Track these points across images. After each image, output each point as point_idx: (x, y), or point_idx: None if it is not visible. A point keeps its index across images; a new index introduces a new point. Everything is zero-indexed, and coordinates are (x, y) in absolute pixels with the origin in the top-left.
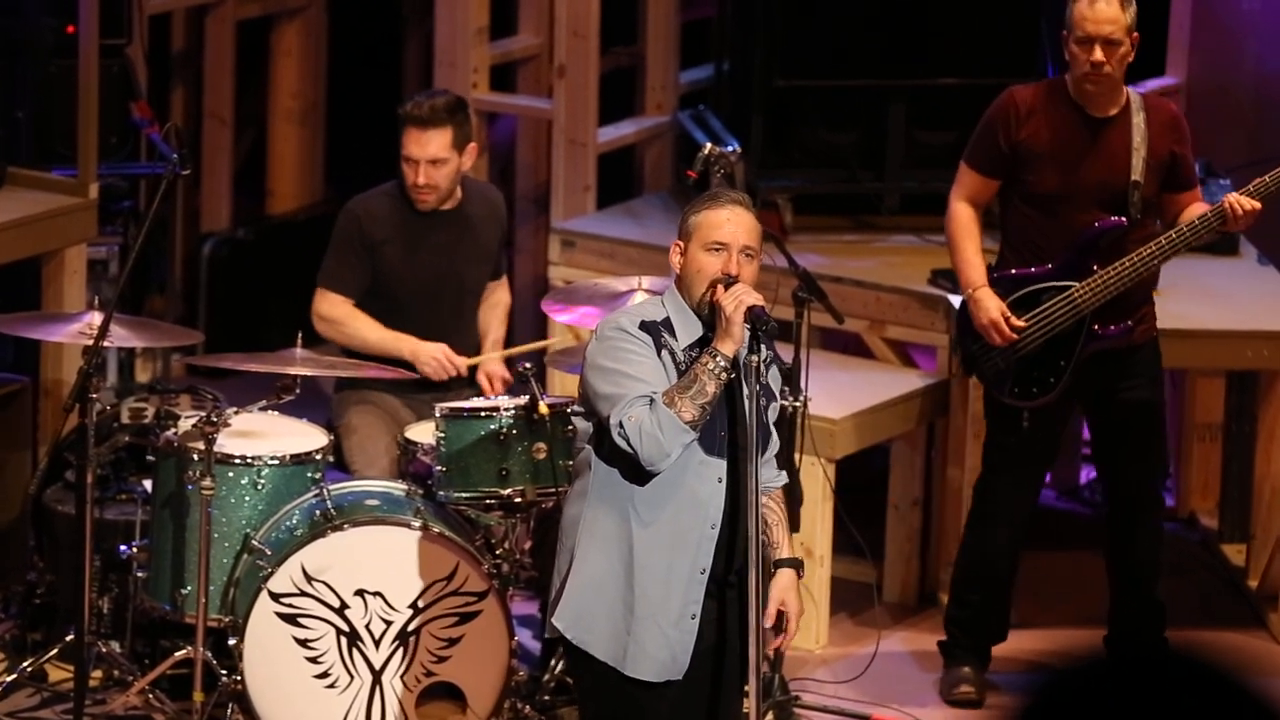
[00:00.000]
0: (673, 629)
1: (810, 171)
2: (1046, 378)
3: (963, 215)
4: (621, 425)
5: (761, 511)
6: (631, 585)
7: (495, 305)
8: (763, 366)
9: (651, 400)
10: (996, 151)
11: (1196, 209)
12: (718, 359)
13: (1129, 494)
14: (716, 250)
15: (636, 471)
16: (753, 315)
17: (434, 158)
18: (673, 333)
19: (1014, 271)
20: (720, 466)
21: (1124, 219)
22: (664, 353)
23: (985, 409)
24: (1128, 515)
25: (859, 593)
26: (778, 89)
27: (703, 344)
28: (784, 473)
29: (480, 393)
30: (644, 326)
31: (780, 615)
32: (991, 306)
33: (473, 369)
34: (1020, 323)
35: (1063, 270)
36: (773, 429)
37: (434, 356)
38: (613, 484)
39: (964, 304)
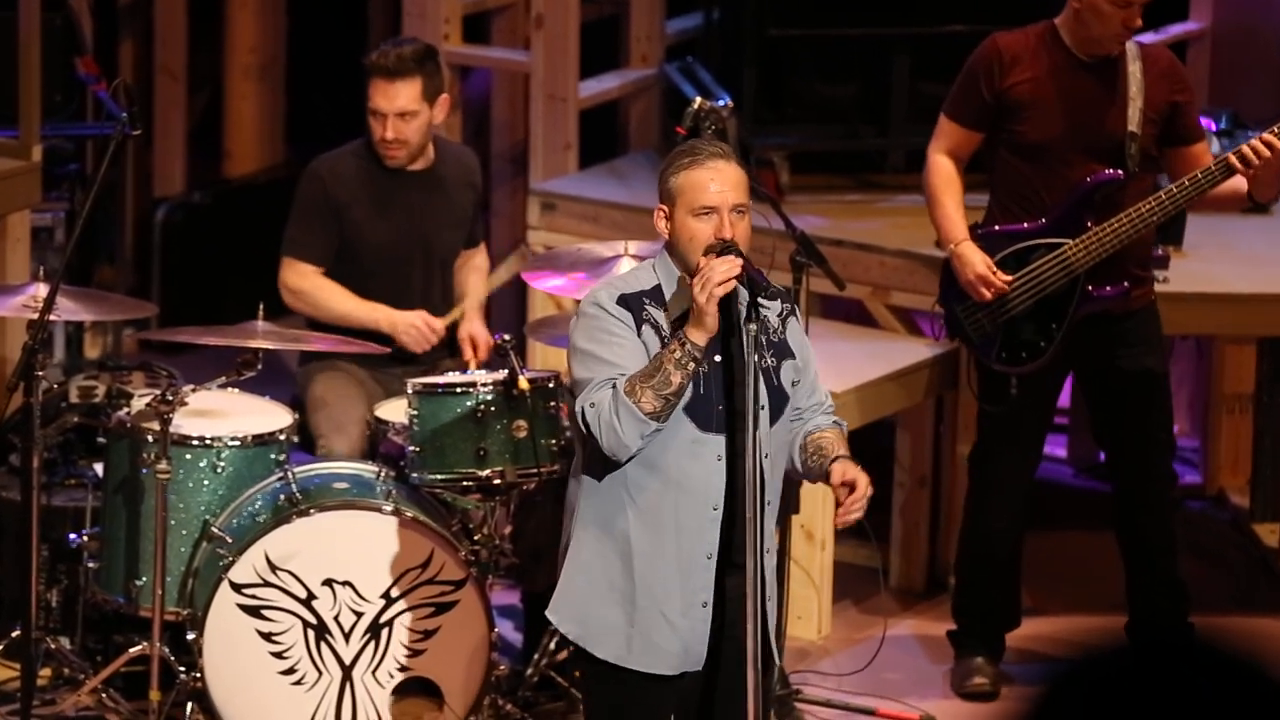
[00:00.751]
0: (681, 619)
1: (808, 127)
2: (1036, 342)
3: (942, 168)
4: (583, 413)
5: (811, 438)
6: (631, 575)
7: (474, 269)
8: (766, 331)
9: (615, 386)
10: (979, 101)
11: (1205, 160)
12: (686, 347)
13: (1134, 470)
14: (706, 215)
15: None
16: (748, 279)
17: (403, 110)
18: (662, 302)
19: (999, 228)
20: (718, 443)
21: (1120, 172)
22: (646, 327)
23: (976, 377)
24: (1134, 492)
25: (863, 578)
26: (772, 38)
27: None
28: (837, 419)
29: (457, 366)
30: (624, 301)
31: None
32: (976, 260)
33: (453, 334)
34: (1007, 277)
35: (1054, 226)
36: (807, 385)
37: (413, 324)
38: (605, 464)
39: (947, 262)
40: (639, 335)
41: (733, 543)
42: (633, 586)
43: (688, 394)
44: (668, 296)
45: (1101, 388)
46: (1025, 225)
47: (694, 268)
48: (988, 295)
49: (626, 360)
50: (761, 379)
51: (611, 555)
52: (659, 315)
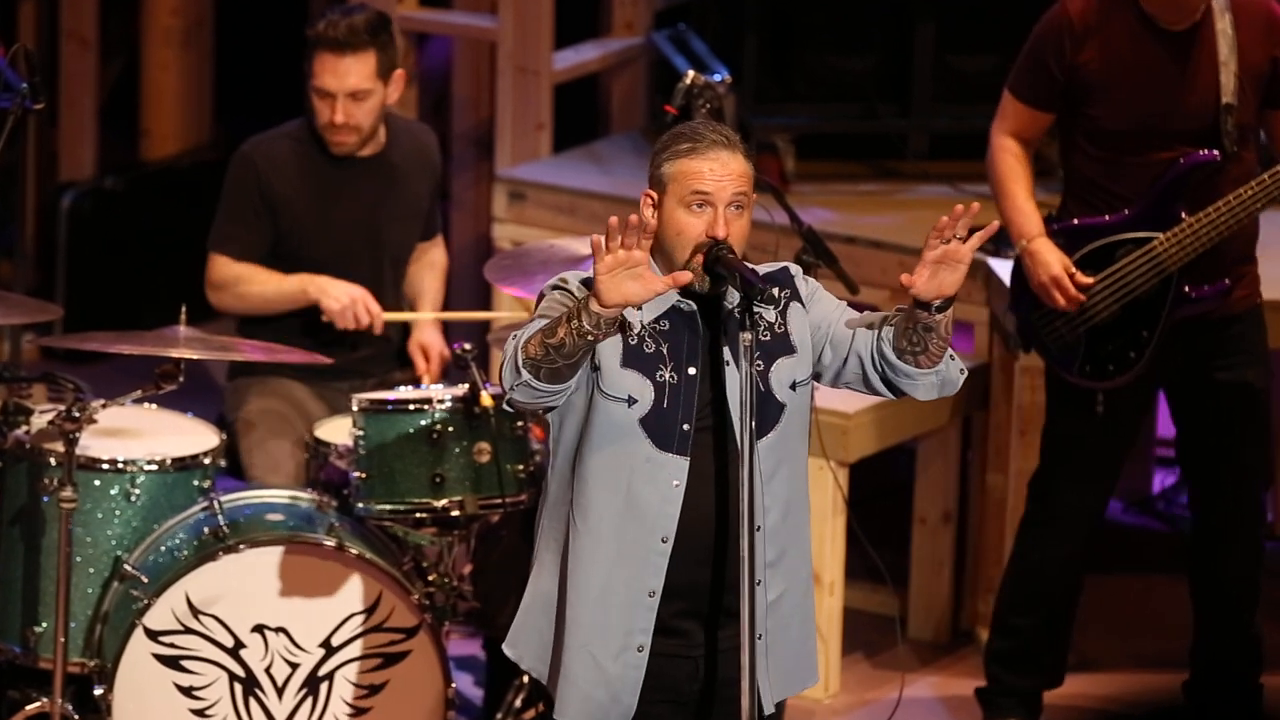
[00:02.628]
0: (612, 662)
1: (817, 106)
2: (1125, 351)
3: (1009, 153)
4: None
5: (875, 336)
6: (568, 606)
7: (430, 265)
8: (757, 340)
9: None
10: (1048, 79)
11: None
12: (583, 319)
13: (1222, 501)
14: (699, 207)
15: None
16: (741, 281)
17: (354, 90)
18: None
19: (1078, 222)
20: (678, 467)
21: (1216, 152)
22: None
23: (1048, 392)
24: (1219, 528)
25: (878, 628)
26: (776, 3)
27: (676, 315)
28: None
29: (408, 379)
30: (589, 282)
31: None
32: (1052, 260)
33: (404, 338)
34: (1087, 280)
35: (1142, 219)
36: (841, 329)
37: (348, 293)
38: (560, 480)
39: (1017, 261)
40: None
41: (699, 581)
42: (563, 622)
43: (647, 404)
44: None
45: (1192, 404)
46: (1107, 219)
47: (680, 266)
48: (1062, 301)
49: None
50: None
51: (552, 585)
52: (632, 312)
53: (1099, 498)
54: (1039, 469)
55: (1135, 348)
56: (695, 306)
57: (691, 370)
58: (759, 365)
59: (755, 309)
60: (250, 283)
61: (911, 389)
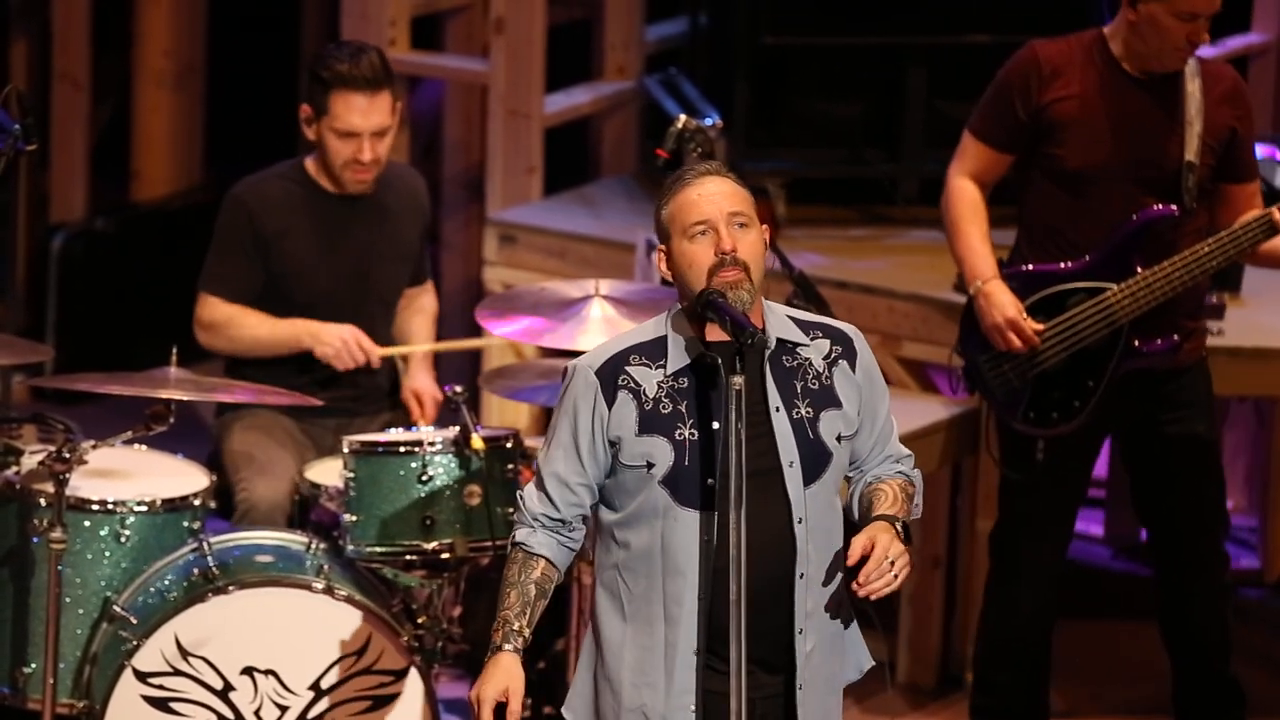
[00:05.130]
0: None
1: (807, 151)
2: (1070, 400)
3: (966, 194)
4: (519, 499)
5: (868, 490)
6: (621, 669)
7: (420, 310)
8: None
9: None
10: (1013, 121)
11: (1255, 211)
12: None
13: (1181, 551)
14: (701, 234)
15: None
16: (731, 324)
17: (379, 127)
18: (660, 355)
19: (1032, 267)
20: (705, 522)
21: (1175, 207)
22: (623, 394)
23: (998, 439)
24: (1181, 578)
25: (868, 672)
26: (767, 47)
27: (699, 369)
28: (905, 467)
29: (402, 421)
30: (609, 364)
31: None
32: (1006, 303)
33: (396, 381)
34: (1038, 326)
35: (1097, 268)
36: (872, 437)
37: (340, 336)
38: (602, 546)
39: (969, 304)
40: (609, 406)
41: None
42: (620, 682)
43: (666, 465)
44: (670, 348)
45: (1143, 456)
46: (1062, 266)
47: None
48: (1016, 344)
49: (559, 460)
50: (791, 432)
51: (605, 645)
52: (647, 375)
53: (1053, 548)
54: (996, 523)
55: (1080, 397)
56: (720, 360)
57: (715, 424)
58: (806, 413)
59: (796, 350)
60: (241, 326)
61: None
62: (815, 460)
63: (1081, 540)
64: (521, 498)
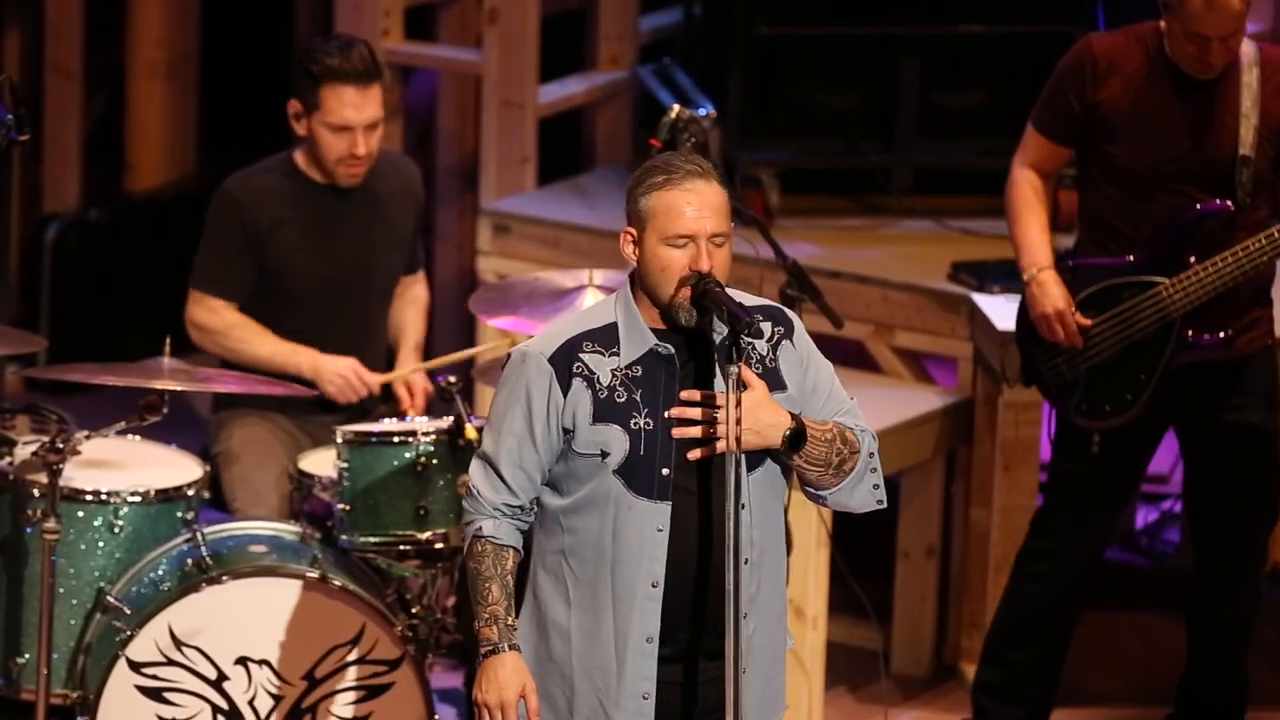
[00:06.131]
0: (618, 711)
1: (802, 141)
2: (1122, 394)
3: (1026, 184)
4: (466, 489)
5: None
6: (570, 656)
7: (412, 301)
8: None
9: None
10: (1068, 114)
11: None
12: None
13: (1226, 543)
14: (680, 246)
15: None
16: (728, 315)
17: (372, 120)
18: (613, 344)
19: (1088, 261)
20: (658, 513)
21: (1230, 202)
22: (577, 381)
23: (1054, 429)
24: (1222, 569)
25: (861, 662)
26: (762, 37)
27: (652, 358)
28: (850, 420)
29: (394, 411)
30: (561, 351)
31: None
32: (1056, 294)
33: (387, 385)
34: (1085, 321)
35: (1150, 263)
36: (820, 401)
37: (340, 374)
38: (549, 521)
39: (1024, 294)
40: (563, 394)
41: (681, 623)
42: (571, 669)
43: (621, 454)
44: (622, 337)
45: (1200, 446)
46: (1115, 260)
47: (668, 300)
48: (1061, 336)
49: (515, 448)
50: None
51: (552, 629)
52: (600, 363)
53: (1098, 536)
54: (1041, 505)
55: (1132, 390)
56: (673, 350)
57: (667, 414)
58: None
59: (745, 341)
60: (241, 340)
61: (816, 500)
62: (754, 461)
63: None
64: (474, 488)
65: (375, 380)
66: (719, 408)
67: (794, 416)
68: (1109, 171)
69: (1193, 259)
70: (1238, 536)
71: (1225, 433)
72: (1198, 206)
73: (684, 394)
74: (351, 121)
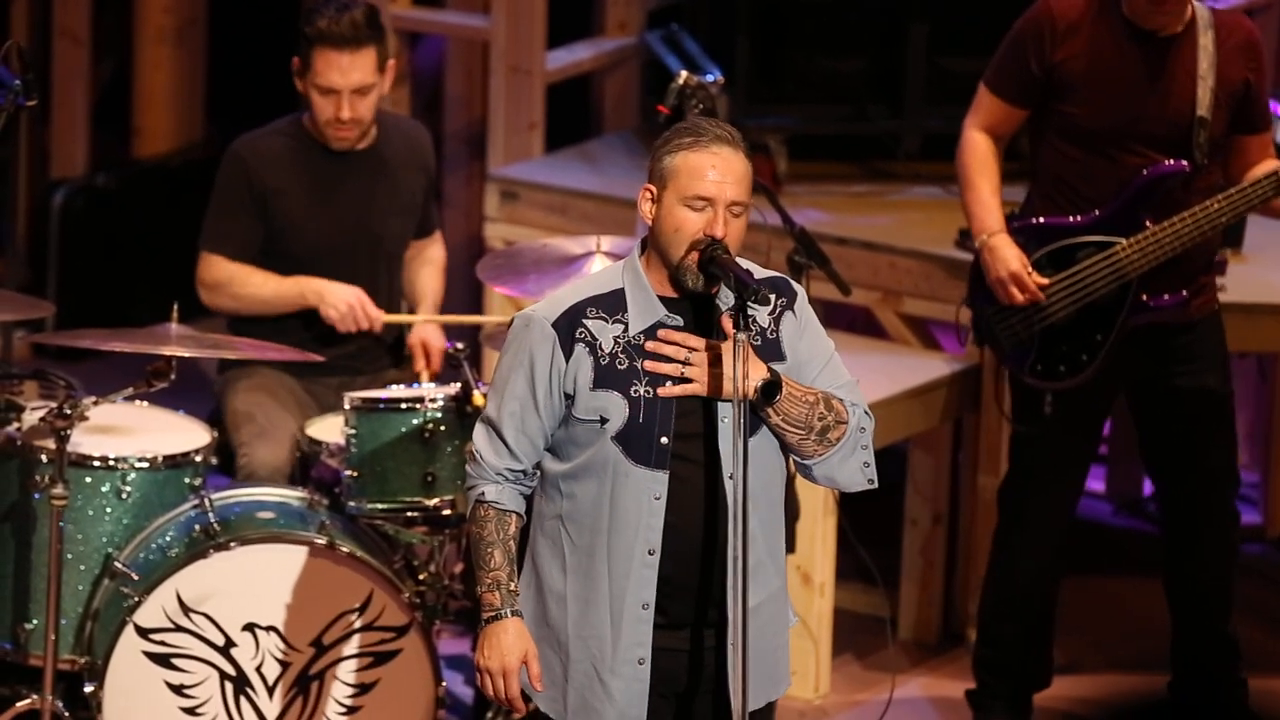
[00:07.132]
0: (613, 677)
1: (809, 107)
2: (1078, 354)
3: (979, 147)
4: (469, 454)
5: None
6: (565, 622)
7: (428, 262)
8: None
9: (482, 498)
10: (1026, 75)
11: (1266, 165)
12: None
13: (1190, 506)
14: (699, 207)
15: None
16: (736, 282)
17: (360, 85)
18: (619, 310)
19: (1042, 220)
20: (656, 481)
21: (1186, 163)
22: (579, 347)
23: (1009, 391)
24: (1189, 534)
25: (869, 629)
26: (769, 3)
27: (655, 330)
28: (843, 394)
29: (404, 378)
30: (565, 316)
31: None
32: (1010, 256)
33: (399, 337)
34: (1043, 280)
35: (1106, 222)
36: (816, 376)
37: (345, 300)
38: (549, 488)
39: (977, 257)
40: (566, 359)
41: (679, 592)
42: (566, 635)
43: (620, 421)
44: (630, 306)
45: (1153, 410)
46: (1071, 220)
47: (677, 262)
48: (1019, 298)
49: (518, 412)
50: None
51: (549, 594)
52: (603, 329)
53: (1063, 502)
54: (1006, 476)
55: (1088, 351)
56: (681, 322)
57: (669, 383)
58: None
59: (750, 310)
60: (245, 284)
61: (804, 473)
62: (755, 416)
63: (1085, 496)
64: (477, 452)
65: (379, 316)
66: (694, 349)
67: (771, 370)
68: (1067, 131)
69: (1149, 221)
70: (1203, 499)
71: (1182, 396)
72: (1156, 166)
73: (662, 333)
74: (337, 85)
